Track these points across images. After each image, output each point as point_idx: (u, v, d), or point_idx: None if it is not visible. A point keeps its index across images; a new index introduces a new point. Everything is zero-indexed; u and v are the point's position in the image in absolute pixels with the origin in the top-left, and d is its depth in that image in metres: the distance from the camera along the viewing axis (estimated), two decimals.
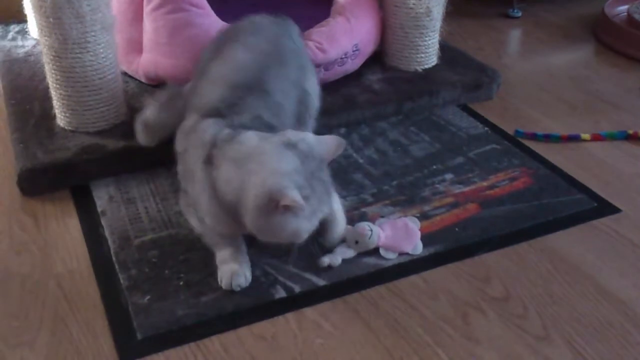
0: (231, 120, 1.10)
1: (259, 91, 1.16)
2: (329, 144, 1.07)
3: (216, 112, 1.12)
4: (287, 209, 0.97)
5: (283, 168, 0.99)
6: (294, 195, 0.96)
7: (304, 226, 1.01)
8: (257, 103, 1.14)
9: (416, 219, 1.23)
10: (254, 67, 1.18)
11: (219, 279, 1.10)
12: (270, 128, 1.10)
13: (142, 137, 1.32)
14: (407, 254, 1.17)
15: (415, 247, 1.18)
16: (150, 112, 1.30)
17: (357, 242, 1.16)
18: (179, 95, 1.30)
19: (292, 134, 1.05)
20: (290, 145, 1.02)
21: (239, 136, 1.05)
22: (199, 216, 1.11)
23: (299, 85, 1.25)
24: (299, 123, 1.24)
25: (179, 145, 1.16)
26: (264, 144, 1.03)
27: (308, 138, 1.05)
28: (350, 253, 1.16)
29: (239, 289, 1.09)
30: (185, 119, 1.18)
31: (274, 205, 0.97)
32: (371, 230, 1.16)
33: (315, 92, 1.30)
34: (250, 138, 1.05)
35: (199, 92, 1.19)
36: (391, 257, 1.16)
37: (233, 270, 1.09)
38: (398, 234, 1.19)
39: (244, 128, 1.08)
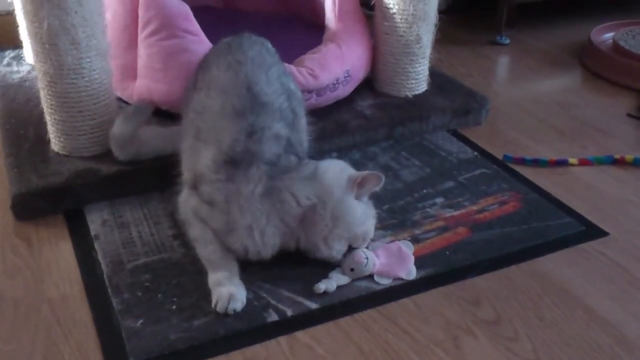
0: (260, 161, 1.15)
1: (259, 105, 1.18)
2: (374, 182, 1.20)
3: (239, 158, 1.14)
4: (363, 185, 1.16)
5: (344, 166, 1.21)
6: (367, 172, 1.16)
7: (370, 212, 1.20)
8: (263, 120, 1.17)
9: (410, 243, 1.25)
10: (242, 84, 1.20)
11: (213, 302, 1.11)
12: (290, 144, 1.20)
13: (115, 151, 1.37)
14: (401, 278, 1.18)
15: (409, 272, 1.19)
16: (115, 124, 1.35)
17: (352, 270, 1.17)
18: (144, 110, 1.37)
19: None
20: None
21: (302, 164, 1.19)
22: (205, 235, 1.16)
23: (284, 84, 1.27)
24: (296, 118, 1.27)
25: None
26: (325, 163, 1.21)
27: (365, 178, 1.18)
28: (344, 280, 1.17)
29: (233, 312, 1.10)
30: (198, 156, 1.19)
31: (351, 185, 1.15)
32: (367, 259, 1.17)
33: (298, 89, 1.35)
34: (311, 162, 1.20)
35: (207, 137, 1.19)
36: (385, 283, 1.17)
37: (231, 293, 1.10)
38: (392, 259, 1.20)
39: (274, 157, 1.16)
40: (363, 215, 1.18)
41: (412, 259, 1.21)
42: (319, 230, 1.15)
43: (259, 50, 1.28)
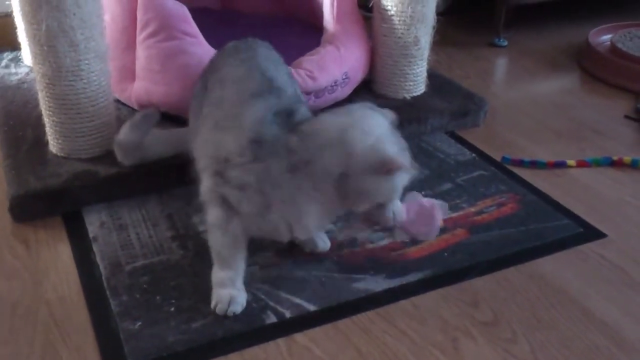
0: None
1: (276, 89, 1.16)
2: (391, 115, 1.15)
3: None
4: (391, 171, 1.05)
5: (381, 132, 1.08)
6: (403, 162, 1.05)
7: (400, 182, 1.08)
8: (282, 100, 1.15)
9: (446, 205, 1.18)
10: (256, 71, 1.19)
11: (213, 302, 1.11)
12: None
13: (119, 156, 1.36)
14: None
15: (428, 233, 1.15)
16: (122, 131, 1.34)
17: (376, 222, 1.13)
18: (152, 118, 1.36)
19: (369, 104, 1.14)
20: (376, 109, 1.12)
21: (321, 127, 1.09)
22: (223, 223, 1.11)
23: (293, 85, 1.25)
24: None
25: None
26: (349, 116, 1.10)
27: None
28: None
29: (232, 315, 1.10)
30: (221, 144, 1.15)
31: (383, 168, 1.04)
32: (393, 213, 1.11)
33: (302, 96, 1.31)
34: (329, 119, 1.10)
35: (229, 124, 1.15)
36: (402, 238, 1.12)
37: (232, 296, 1.10)
38: (420, 217, 1.14)
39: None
40: (391, 188, 1.08)
41: (439, 221, 1.15)
42: (346, 197, 1.09)
43: (267, 49, 1.28)
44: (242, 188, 1.10)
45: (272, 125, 1.10)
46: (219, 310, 1.10)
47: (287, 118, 1.11)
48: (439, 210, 1.15)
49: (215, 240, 1.13)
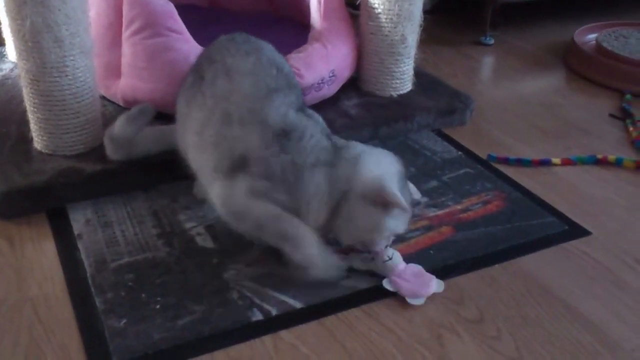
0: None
1: (294, 86, 1.21)
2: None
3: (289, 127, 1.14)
4: (388, 205, 1.10)
5: (393, 172, 1.14)
6: (401, 200, 1.09)
7: (392, 226, 1.13)
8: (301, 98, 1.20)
9: (442, 282, 1.18)
10: (270, 66, 1.20)
11: (312, 269, 1.12)
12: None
13: (110, 152, 1.34)
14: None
15: (439, 284, 1.17)
16: (116, 125, 1.33)
17: (372, 259, 1.17)
18: (148, 111, 1.35)
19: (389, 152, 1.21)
20: (392, 154, 1.19)
21: (348, 144, 1.18)
22: (274, 210, 1.12)
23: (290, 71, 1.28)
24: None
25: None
26: (375, 149, 1.18)
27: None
28: (358, 263, 1.18)
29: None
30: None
31: (379, 200, 1.09)
32: (390, 258, 1.17)
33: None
34: (357, 145, 1.18)
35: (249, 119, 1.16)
36: (419, 303, 1.14)
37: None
38: (417, 279, 1.17)
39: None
40: (378, 228, 1.12)
41: (431, 291, 1.16)
42: (339, 221, 1.13)
43: (265, 43, 1.28)
44: (269, 178, 1.11)
45: (296, 120, 1.14)
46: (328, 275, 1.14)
47: (307, 117, 1.16)
48: (435, 283, 1.17)
49: (278, 229, 1.12)
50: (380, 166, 1.14)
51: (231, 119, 1.15)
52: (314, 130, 1.16)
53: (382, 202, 1.10)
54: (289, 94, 1.17)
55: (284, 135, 1.12)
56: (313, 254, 1.11)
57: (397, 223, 1.14)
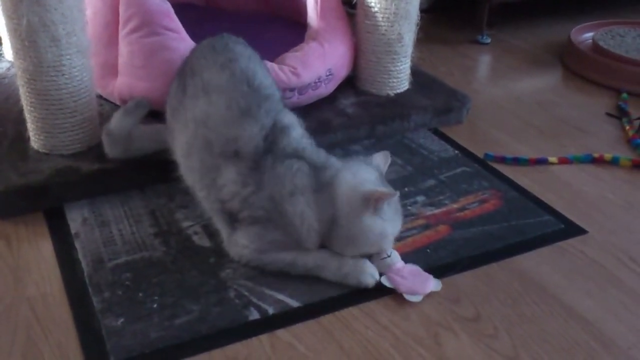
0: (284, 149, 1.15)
1: (264, 99, 1.19)
2: (383, 160, 1.21)
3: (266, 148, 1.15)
4: (378, 204, 1.10)
5: (370, 178, 1.14)
6: (383, 189, 1.11)
7: (389, 228, 1.14)
8: (272, 114, 1.18)
9: (439, 282, 1.19)
10: (241, 80, 1.20)
11: (352, 278, 1.14)
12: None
13: (108, 148, 1.35)
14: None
15: (436, 284, 1.17)
16: (113, 119, 1.34)
17: (371, 256, 1.18)
18: (144, 105, 1.36)
19: (364, 159, 1.21)
20: (367, 162, 1.19)
21: (326, 163, 1.16)
22: (288, 255, 1.15)
23: (273, 81, 1.28)
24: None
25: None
26: (349, 164, 1.17)
27: (375, 159, 1.21)
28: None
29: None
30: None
31: (366, 203, 1.10)
32: (389, 255, 1.18)
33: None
34: (334, 163, 1.17)
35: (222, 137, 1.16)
36: (417, 300, 1.14)
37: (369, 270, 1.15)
38: (416, 279, 1.17)
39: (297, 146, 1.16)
40: (380, 234, 1.14)
41: (429, 289, 1.16)
42: (337, 242, 1.15)
43: (244, 47, 1.28)
44: (256, 221, 1.14)
45: (267, 154, 1.13)
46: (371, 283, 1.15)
47: (277, 143, 1.15)
48: (433, 283, 1.17)
49: (304, 265, 1.15)
50: (357, 177, 1.14)
51: (212, 148, 1.16)
52: (287, 148, 1.14)
53: (369, 204, 1.10)
54: (259, 112, 1.16)
55: (257, 168, 1.13)
56: (346, 271, 1.14)
57: (394, 224, 1.16)
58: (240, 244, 1.17)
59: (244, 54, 1.25)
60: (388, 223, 1.14)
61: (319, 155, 1.18)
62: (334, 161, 1.18)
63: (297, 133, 1.19)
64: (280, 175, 1.12)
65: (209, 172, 1.17)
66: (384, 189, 1.13)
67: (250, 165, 1.13)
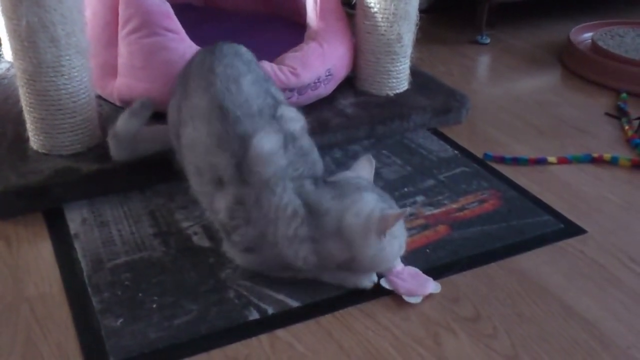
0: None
1: (234, 121, 1.13)
2: (368, 166, 1.20)
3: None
4: (391, 228, 1.08)
5: (370, 200, 1.10)
6: (391, 213, 1.08)
7: (402, 240, 1.14)
8: (246, 138, 1.12)
9: (438, 285, 1.18)
10: (215, 105, 1.15)
11: (349, 282, 1.15)
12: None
13: (114, 151, 1.34)
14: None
15: (436, 286, 1.17)
16: (119, 122, 1.33)
17: None
18: (149, 105, 1.34)
19: (351, 173, 1.18)
20: (355, 177, 1.16)
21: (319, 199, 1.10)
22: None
23: (265, 89, 1.22)
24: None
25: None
26: (342, 192, 1.11)
27: (359, 169, 1.19)
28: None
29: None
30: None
31: (382, 233, 1.07)
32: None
33: (280, 93, 1.28)
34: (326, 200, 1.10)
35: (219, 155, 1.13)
36: (417, 301, 1.14)
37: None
38: (415, 280, 1.17)
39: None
40: (398, 250, 1.13)
41: (428, 291, 1.16)
42: (355, 271, 1.15)
43: (230, 62, 1.21)
44: (250, 251, 1.14)
45: (245, 185, 1.10)
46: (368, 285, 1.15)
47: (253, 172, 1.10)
48: (433, 285, 1.17)
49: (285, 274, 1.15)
50: (361, 211, 1.08)
51: (203, 176, 1.15)
52: (272, 178, 1.09)
53: (384, 233, 1.08)
54: (232, 145, 1.10)
55: (241, 203, 1.10)
56: (344, 275, 1.14)
57: (403, 232, 1.14)
58: (239, 256, 1.18)
59: (224, 72, 1.18)
60: (401, 235, 1.13)
61: (308, 188, 1.11)
62: (328, 198, 1.09)
63: (275, 156, 1.11)
64: (268, 215, 1.09)
65: (205, 197, 1.18)
66: (391, 211, 1.09)
67: (234, 200, 1.11)
